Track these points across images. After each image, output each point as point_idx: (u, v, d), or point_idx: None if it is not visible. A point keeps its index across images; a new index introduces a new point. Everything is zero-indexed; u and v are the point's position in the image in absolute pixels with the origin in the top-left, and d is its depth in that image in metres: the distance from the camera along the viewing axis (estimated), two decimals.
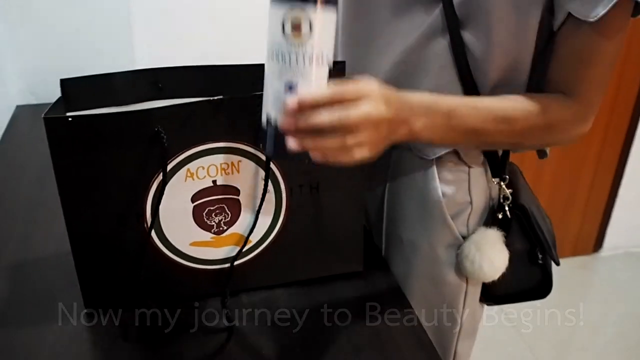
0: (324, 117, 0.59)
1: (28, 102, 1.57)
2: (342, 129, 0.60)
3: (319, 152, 0.61)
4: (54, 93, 0.78)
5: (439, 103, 0.74)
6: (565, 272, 2.57)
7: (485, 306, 1.00)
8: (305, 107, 0.59)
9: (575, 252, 2.66)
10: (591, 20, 0.70)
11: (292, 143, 0.60)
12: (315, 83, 0.62)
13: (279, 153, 0.63)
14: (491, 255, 0.86)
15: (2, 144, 1.35)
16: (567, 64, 0.77)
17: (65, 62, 1.54)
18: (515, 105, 0.77)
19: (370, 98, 0.62)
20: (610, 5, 0.69)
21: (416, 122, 0.71)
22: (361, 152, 0.63)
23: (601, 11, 0.69)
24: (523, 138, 0.79)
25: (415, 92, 0.72)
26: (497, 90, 0.81)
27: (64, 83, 0.81)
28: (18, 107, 1.55)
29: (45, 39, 1.54)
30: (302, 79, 0.61)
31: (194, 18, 1.66)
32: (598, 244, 2.69)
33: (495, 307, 2.28)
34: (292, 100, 0.59)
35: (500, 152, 0.90)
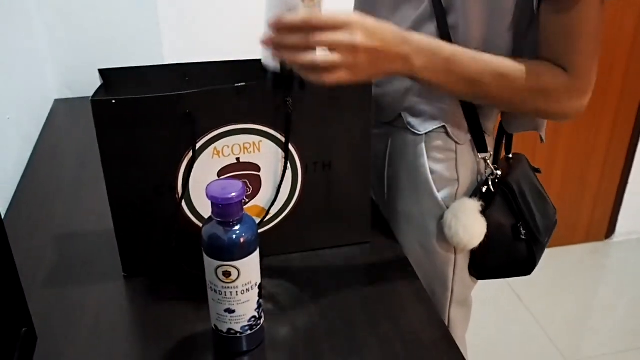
0: (293, 38, 0.72)
1: (65, 96, 1.69)
2: (307, 45, 0.71)
3: (298, 68, 0.74)
4: (89, 87, 0.87)
5: (441, 47, 0.82)
6: (578, 257, 2.64)
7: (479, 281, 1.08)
8: (281, 28, 0.72)
9: (588, 238, 2.71)
10: None
11: (274, 53, 0.74)
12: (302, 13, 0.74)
13: (277, 89, 0.79)
14: (466, 222, 0.94)
15: (44, 134, 1.46)
16: (554, 41, 0.83)
17: (99, 58, 1.65)
18: (512, 64, 0.83)
19: (349, 27, 0.72)
20: None
21: (416, 59, 0.80)
22: (335, 75, 0.74)
23: None
24: (517, 97, 0.85)
25: (419, 34, 0.81)
26: None
27: (103, 72, 0.92)
28: (56, 100, 1.67)
29: (80, 37, 1.65)
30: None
31: (218, 16, 1.77)
32: (610, 231, 2.73)
33: (507, 287, 2.37)
34: (271, 20, 0.72)
35: (489, 132, 0.98)
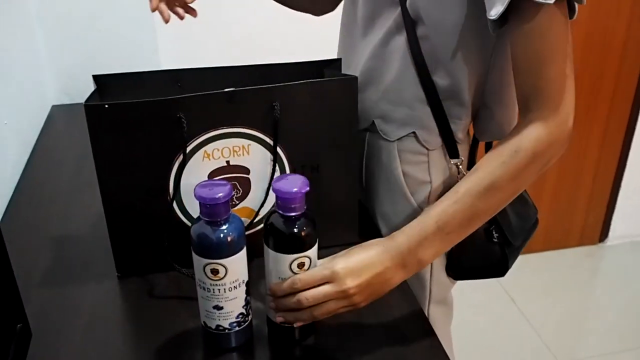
0: (289, 303, 0.77)
1: (63, 102, 1.72)
2: (299, 305, 0.77)
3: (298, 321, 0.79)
4: (86, 94, 0.89)
5: (423, 226, 0.80)
6: (572, 261, 2.66)
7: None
8: (276, 295, 0.78)
9: (582, 242, 2.74)
10: (492, 18, 0.77)
11: (277, 317, 0.80)
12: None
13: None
14: None
15: (41, 140, 1.49)
16: (523, 70, 0.80)
17: (96, 66, 1.68)
18: (490, 168, 0.79)
19: (334, 278, 0.77)
20: (506, 3, 0.74)
21: (412, 259, 0.80)
22: (341, 310, 0.78)
23: (500, 9, 0.75)
24: (519, 184, 0.81)
25: (402, 232, 0.81)
26: (449, 72, 0.91)
27: (97, 78, 0.95)
28: (54, 106, 1.70)
29: (78, 45, 1.69)
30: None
31: (214, 25, 1.80)
32: (604, 234, 2.76)
33: (501, 291, 2.39)
34: (269, 288, 0.79)
35: (460, 141, 0.99)
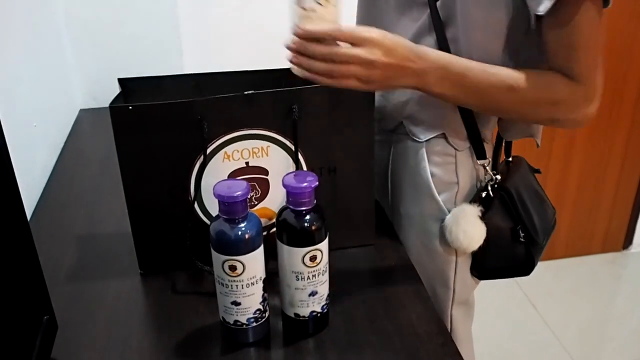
0: (317, 48, 0.79)
1: (90, 106, 1.77)
2: (331, 60, 0.79)
3: (311, 73, 0.81)
4: (112, 97, 0.92)
5: (453, 62, 0.87)
6: (594, 267, 2.64)
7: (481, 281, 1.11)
8: (304, 37, 0.79)
9: (605, 249, 2.71)
10: (540, 14, 0.82)
11: (292, 58, 0.81)
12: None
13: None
14: (466, 227, 0.98)
15: (69, 142, 1.54)
16: (556, 52, 0.86)
17: (123, 70, 1.71)
18: (522, 76, 0.86)
19: (370, 44, 0.79)
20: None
21: (430, 75, 0.85)
22: (349, 82, 0.81)
23: (548, 5, 0.80)
24: (527, 108, 0.89)
25: (434, 50, 0.87)
26: None
27: (122, 81, 0.98)
28: (81, 110, 1.75)
29: (105, 51, 1.74)
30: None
31: (236, 30, 1.84)
32: (628, 241, 2.73)
33: (522, 296, 2.38)
34: (297, 30, 0.80)
35: (487, 140, 1.02)
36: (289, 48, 0.81)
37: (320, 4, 0.79)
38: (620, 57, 2.33)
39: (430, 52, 0.86)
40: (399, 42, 0.83)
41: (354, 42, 0.79)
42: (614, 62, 2.32)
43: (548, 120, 0.94)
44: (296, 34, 0.80)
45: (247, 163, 0.94)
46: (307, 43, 0.80)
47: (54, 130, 1.50)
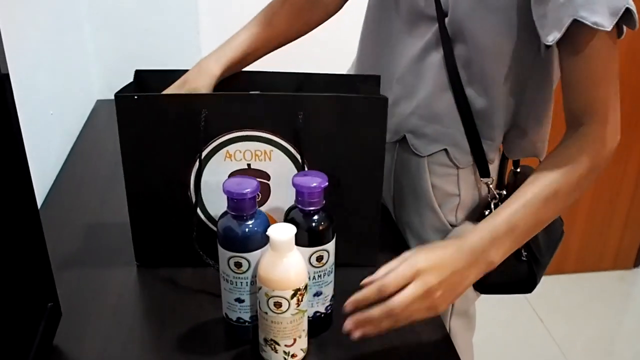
0: (373, 314, 0.73)
1: (107, 97, 1.78)
2: (391, 314, 0.73)
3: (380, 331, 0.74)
4: None
5: (496, 226, 0.80)
6: (604, 284, 2.61)
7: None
8: (359, 305, 0.74)
9: (616, 266, 2.68)
10: (549, 44, 0.80)
11: (356, 334, 0.74)
12: None
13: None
14: None
15: (84, 131, 1.55)
16: (575, 89, 0.83)
17: (141, 62, 1.73)
18: (554, 177, 0.81)
19: (419, 275, 0.73)
20: (563, 30, 0.77)
21: (486, 256, 0.79)
22: (419, 315, 0.75)
23: (557, 35, 0.78)
24: (577, 193, 0.83)
25: (472, 232, 0.80)
26: (485, 91, 0.92)
27: (138, 73, 1.00)
28: (98, 101, 1.76)
29: (123, 41, 1.75)
30: None
31: None
32: (639, 259, 2.70)
33: (529, 309, 2.36)
34: (346, 306, 0.74)
35: (491, 161, 0.99)
36: (348, 328, 0.74)
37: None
38: (636, 77, 2.30)
39: (471, 237, 0.80)
40: (444, 252, 0.78)
41: (405, 283, 0.73)
42: (632, 77, 2.29)
43: (594, 180, 0.88)
44: (347, 310, 0.75)
45: (249, 165, 0.91)
46: (362, 315, 0.74)
47: (70, 119, 1.51)
